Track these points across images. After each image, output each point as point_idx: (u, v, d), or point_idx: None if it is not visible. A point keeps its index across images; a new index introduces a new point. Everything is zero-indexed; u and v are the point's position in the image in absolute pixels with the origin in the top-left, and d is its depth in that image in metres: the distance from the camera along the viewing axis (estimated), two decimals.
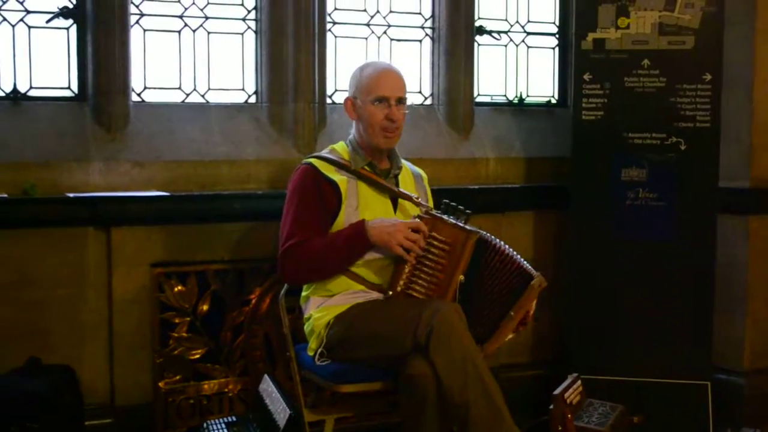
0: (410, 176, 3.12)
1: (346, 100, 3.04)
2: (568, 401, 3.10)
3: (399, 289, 2.85)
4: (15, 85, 3.34)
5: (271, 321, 3.49)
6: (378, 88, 2.96)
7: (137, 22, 3.51)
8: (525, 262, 2.84)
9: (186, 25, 3.61)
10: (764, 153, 3.94)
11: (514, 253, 2.85)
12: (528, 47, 4.31)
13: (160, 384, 3.36)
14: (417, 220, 2.86)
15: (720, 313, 3.80)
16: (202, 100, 3.65)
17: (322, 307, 2.92)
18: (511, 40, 4.27)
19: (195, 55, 3.63)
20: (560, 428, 3.05)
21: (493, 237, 2.87)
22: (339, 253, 2.85)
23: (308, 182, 2.93)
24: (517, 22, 4.28)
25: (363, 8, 3.93)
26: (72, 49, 3.42)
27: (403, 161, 3.11)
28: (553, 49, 4.37)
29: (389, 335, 2.72)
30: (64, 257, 3.22)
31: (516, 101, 4.30)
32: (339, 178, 2.93)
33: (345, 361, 2.85)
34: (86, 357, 3.27)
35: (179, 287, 3.38)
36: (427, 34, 4.07)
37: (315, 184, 2.92)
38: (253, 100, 3.73)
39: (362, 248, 2.85)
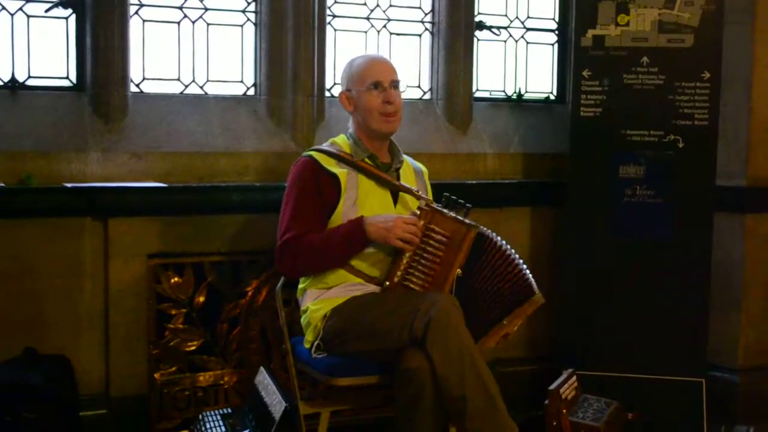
0: (411, 171, 3.12)
1: (341, 94, 3.04)
2: (563, 396, 3.11)
3: (396, 280, 2.85)
4: (13, 74, 3.33)
5: (268, 313, 3.49)
6: (370, 74, 2.97)
7: (136, 12, 3.50)
8: (527, 271, 2.84)
9: (185, 16, 3.60)
10: (761, 152, 3.95)
11: (517, 256, 2.85)
12: (527, 43, 4.31)
13: (156, 375, 3.35)
14: (416, 212, 2.86)
15: (715, 311, 3.81)
16: (200, 92, 3.64)
17: (318, 300, 2.92)
18: (510, 35, 4.27)
19: (194, 46, 3.62)
20: (555, 423, 3.06)
21: (494, 234, 2.88)
22: (336, 249, 2.85)
23: (307, 175, 2.93)
24: (517, 17, 4.27)
25: (363, 2, 3.93)
26: (71, 39, 3.41)
27: (405, 156, 3.11)
28: (553, 45, 4.37)
29: (386, 329, 2.72)
30: (60, 247, 3.21)
31: (515, 97, 4.30)
32: (339, 170, 2.93)
33: (341, 354, 2.85)
34: (82, 348, 3.26)
35: (176, 279, 3.38)
36: (426, 29, 4.07)
37: (314, 177, 2.92)
38: (251, 92, 3.72)
39: (360, 245, 2.85)
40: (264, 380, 3.01)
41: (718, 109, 3.67)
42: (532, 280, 2.83)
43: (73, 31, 3.41)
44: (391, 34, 4.00)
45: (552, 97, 4.39)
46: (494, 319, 2.81)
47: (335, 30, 3.86)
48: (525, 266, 2.85)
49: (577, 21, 3.79)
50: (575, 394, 3.24)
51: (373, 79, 2.97)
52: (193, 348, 3.42)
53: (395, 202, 3.00)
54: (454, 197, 2.89)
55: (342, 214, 2.89)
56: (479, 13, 4.14)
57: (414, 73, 4.06)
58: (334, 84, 3.84)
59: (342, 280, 2.90)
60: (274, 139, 3.64)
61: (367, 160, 2.99)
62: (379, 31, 3.97)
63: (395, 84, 3.00)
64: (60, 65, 3.42)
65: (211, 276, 3.43)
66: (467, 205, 2.87)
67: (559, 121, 4.21)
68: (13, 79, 3.33)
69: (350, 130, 3.06)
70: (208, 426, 3.01)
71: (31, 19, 3.35)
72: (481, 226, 2.86)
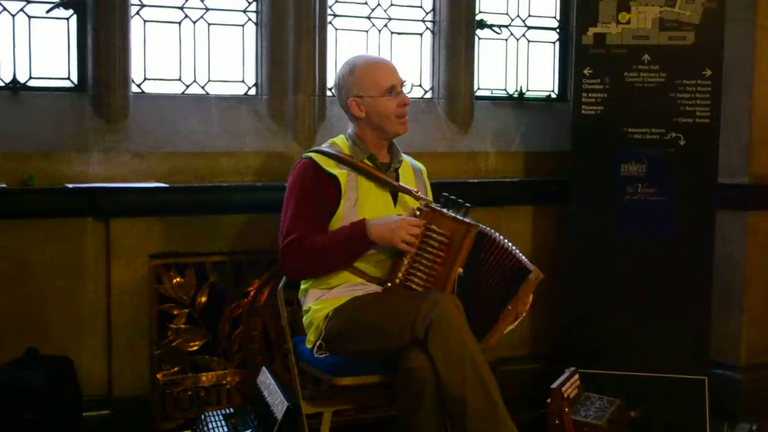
0: (410, 170, 3.12)
1: (350, 101, 2.99)
2: (565, 395, 3.11)
3: (397, 281, 2.85)
4: (15, 75, 3.33)
5: (270, 313, 3.49)
6: (384, 79, 2.97)
7: (137, 12, 3.50)
8: (522, 256, 2.84)
9: (186, 16, 3.60)
10: (763, 149, 3.95)
11: (513, 246, 2.85)
12: (528, 41, 4.31)
13: (158, 376, 3.36)
14: (416, 213, 2.86)
15: (717, 309, 3.80)
16: (202, 92, 3.64)
17: (320, 300, 2.93)
18: (511, 34, 4.27)
19: (195, 46, 3.62)
20: (557, 422, 3.06)
21: (492, 231, 2.87)
22: (339, 251, 2.85)
23: (308, 177, 2.93)
24: (518, 16, 4.27)
25: (364, 1, 3.93)
26: (72, 40, 3.41)
27: (404, 155, 3.11)
28: (554, 43, 4.37)
29: (387, 328, 2.72)
30: (62, 248, 3.22)
31: (516, 95, 4.29)
32: (339, 172, 2.92)
33: (343, 354, 2.85)
34: (84, 348, 3.27)
35: (178, 279, 3.38)
36: (427, 28, 4.07)
37: (315, 179, 2.92)
38: (253, 92, 3.72)
39: (363, 247, 2.85)
40: (266, 380, 3.02)
41: (720, 106, 3.66)
42: (526, 259, 2.82)
43: (74, 32, 3.41)
44: (392, 33, 4.00)
45: (553, 96, 4.39)
46: (498, 309, 2.80)
47: (336, 29, 3.86)
48: (518, 250, 2.83)
49: (578, 19, 3.79)
50: (577, 392, 3.24)
51: (388, 84, 2.96)
52: (196, 348, 3.42)
53: (395, 202, 3.00)
54: (453, 197, 2.89)
55: (342, 216, 2.89)
56: (480, 12, 4.13)
57: (415, 72, 4.05)
58: None
59: (344, 280, 2.90)
60: (275, 139, 3.64)
61: (366, 160, 2.99)
62: (380, 31, 3.97)
63: (403, 84, 3.01)
64: (61, 66, 3.42)
65: (212, 276, 3.43)
66: (466, 204, 2.86)
67: (560, 119, 4.21)
68: (14, 80, 3.33)
69: (350, 131, 3.06)
70: (210, 426, 3.02)
71: (32, 19, 3.35)
72: (481, 225, 2.85)
